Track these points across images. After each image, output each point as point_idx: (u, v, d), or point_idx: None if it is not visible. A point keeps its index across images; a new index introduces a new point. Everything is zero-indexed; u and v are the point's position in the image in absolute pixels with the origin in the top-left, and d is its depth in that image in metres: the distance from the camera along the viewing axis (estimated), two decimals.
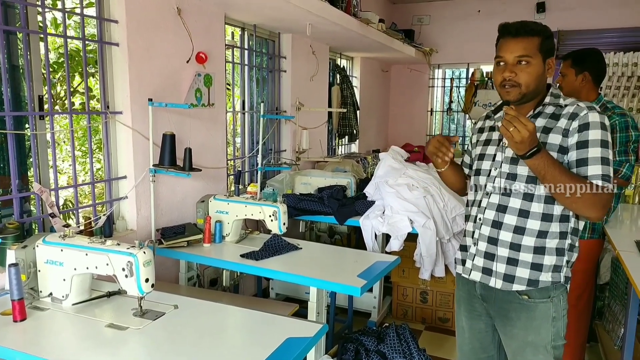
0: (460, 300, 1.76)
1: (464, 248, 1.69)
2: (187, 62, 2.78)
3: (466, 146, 1.77)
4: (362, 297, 3.23)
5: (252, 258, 2.30)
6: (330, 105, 4.82)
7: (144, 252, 1.61)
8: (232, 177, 3.48)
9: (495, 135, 1.61)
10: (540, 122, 1.49)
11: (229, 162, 3.45)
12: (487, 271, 1.59)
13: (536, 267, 1.50)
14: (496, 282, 1.56)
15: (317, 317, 2.18)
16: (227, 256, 2.38)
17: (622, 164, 2.23)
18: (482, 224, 1.58)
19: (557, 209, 1.47)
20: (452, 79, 6.78)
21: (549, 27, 1.52)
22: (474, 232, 1.62)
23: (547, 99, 1.51)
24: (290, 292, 3.40)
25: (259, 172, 3.28)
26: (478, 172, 1.63)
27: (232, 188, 3.42)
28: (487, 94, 5.99)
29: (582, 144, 1.40)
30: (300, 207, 3.24)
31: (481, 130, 1.70)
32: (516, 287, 1.53)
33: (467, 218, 1.68)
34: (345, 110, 4.85)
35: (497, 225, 1.54)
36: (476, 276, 1.62)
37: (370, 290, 3.20)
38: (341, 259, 2.44)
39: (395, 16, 6.66)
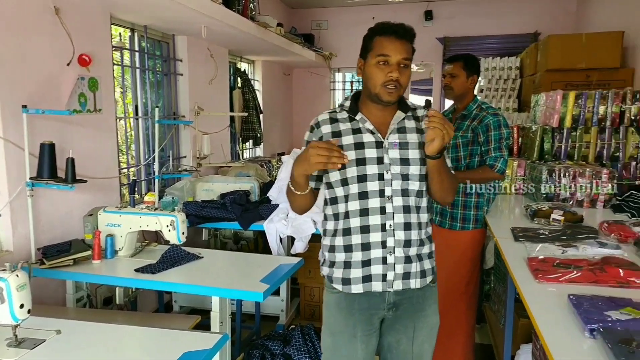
0: (357, 325, 1.55)
1: (380, 261, 1.51)
2: (68, 65, 2.57)
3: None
4: (269, 301, 3.24)
5: (148, 272, 2.18)
6: (232, 109, 4.74)
7: (17, 275, 1.46)
8: (127, 187, 3.28)
9: (368, 137, 1.51)
10: (414, 123, 1.57)
11: (122, 171, 3.25)
12: (406, 275, 1.53)
13: (430, 255, 1.61)
14: (416, 282, 1.54)
15: (220, 327, 2.12)
16: (120, 272, 2.24)
17: (497, 159, 2.44)
18: (394, 229, 1.50)
19: (426, 201, 1.60)
20: (351, 82, 7.03)
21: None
22: (385, 242, 1.50)
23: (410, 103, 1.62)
24: (195, 303, 3.28)
25: (157, 180, 3.13)
26: (363, 178, 1.49)
27: (128, 199, 3.22)
28: None
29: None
30: (203, 215, 3.14)
31: (337, 135, 1.52)
32: (429, 279, 1.59)
33: (363, 229, 1.51)
34: (247, 114, 4.80)
35: (408, 226, 1.53)
36: (398, 285, 1.52)
37: (278, 293, 3.20)
38: (244, 265, 2.40)
39: (295, 21, 6.74)
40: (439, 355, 2.59)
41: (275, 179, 3.54)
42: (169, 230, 2.33)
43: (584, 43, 4.08)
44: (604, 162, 2.99)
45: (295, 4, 6.64)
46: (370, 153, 1.50)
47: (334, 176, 1.52)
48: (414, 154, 1.52)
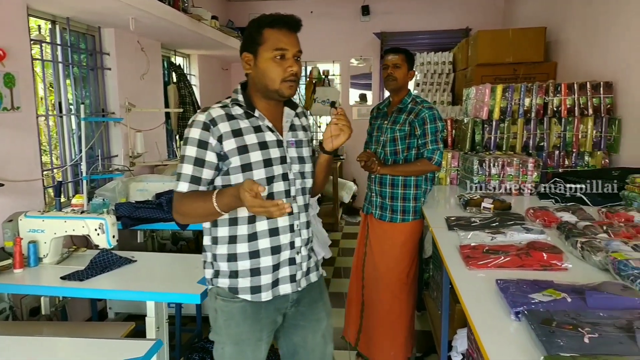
0: (263, 330, 1.50)
1: (287, 262, 1.49)
2: None
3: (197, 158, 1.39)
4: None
5: (75, 279, 2.05)
6: (167, 105, 4.57)
7: None
8: (51, 189, 3.07)
9: (270, 136, 1.46)
10: (300, 120, 1.59)
11: (46, 172, 3.04)
12: (308, 271, 1.56)
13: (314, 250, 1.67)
14: (315, 276, 1.60)
15: (157, 333, 2.03)
16: (44, 280, 2.09)
17: (435, 151, 2.51)
18: (300, 229, 1.51)
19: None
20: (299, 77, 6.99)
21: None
22: (293, 242, 1.49)
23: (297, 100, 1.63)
24: (132, 309, 3.14)
25: (84, 181, 2.95)
26: (271, 180, 1.44)
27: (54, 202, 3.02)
28: (325, 91, 6.30)
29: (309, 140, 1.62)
30: (137, 216, 3.00)
31: (239, 133, 1.42)
32: (320, 270, 1.66)
33: (272, 232, 1.45)
34: (182, 110, 4.65)
35: (308, 224, 1.57)
36: (303, 283, 1.55)
37: None
38: (182, 267, 2.32)
39: (232, 14, 6.61)
40: (385, 344, 2.66)
41: None
42: (98, 234, 2.20)
43: (510, 38, 4.28)
44: (530, 151, 3.15)
45: None
46: (275, 153, 1.45)
47: (236, 178, 1.41)
48: (307, 151, 1.55)
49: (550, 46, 4.41)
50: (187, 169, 1.38)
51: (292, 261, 1.49)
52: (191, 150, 1.37)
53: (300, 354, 1.60)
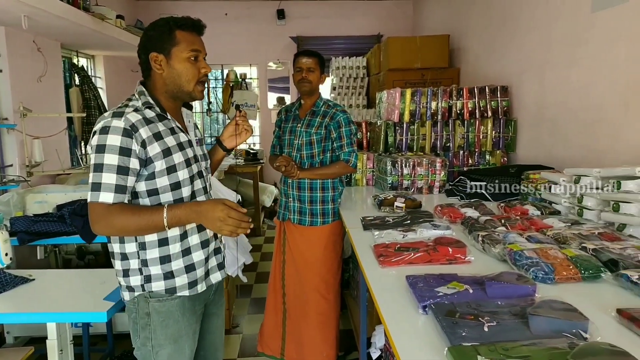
0: (197, 320, 1.58)
1: (213, 252, 1.60)
2: None
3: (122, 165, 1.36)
4: (122, 318, 2.99)
5: None
6: (69, 110, 4.25)
7: None
8: None
9: (183, 137, 1.50)
10: (193, 119, 1.67)
11: None
12: (224, 258, 1.69)
13: None
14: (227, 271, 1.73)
15: (60, 356, 1.88)
16: None
17: (351, 154, 2.56)
18: None
19: None
20: (208, 80, 6.83)
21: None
22: (215, 234, 1.60)
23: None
24: (33, 332, 2.88)
25: None
26: (193, 178, 1.51)
27: None
28: (242, 94, 6.22)
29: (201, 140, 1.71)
30: (35, 231, 2.74)
31: (159, 137, 1.42)
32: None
33: (200, 228, 1.52)
34: (84, 115, 4.34)
35: None
36: (223, 274, 1.67)
37: None
38: (87, 283, 2.16)
39: (141, 14, 6.32)
40: (317, 346, 2.66)
41: None
42: None
43: (418, 45, 4.51)
44: (438, 152, 3.34)
45: None
46: (190, 152, 1.51)
47: (162, 181, 1.42)
48: (205, 148, 1.68)
49: (454, 53, 4.71)
50: (110, 178, 1.33)
51: (217, 251, 1.62)
52: (112, 159, 1.32)
53: (207, 339, 1.70)
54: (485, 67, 3.95)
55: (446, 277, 1.39)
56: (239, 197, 3.56)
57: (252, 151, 6.05)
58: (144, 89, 1.48)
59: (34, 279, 2.11)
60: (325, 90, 6.10)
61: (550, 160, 2.86)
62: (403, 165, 2.97)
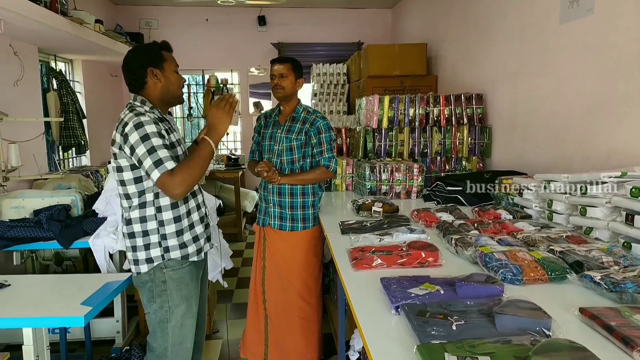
0: (199, 284, 1.99)
1: (198, 237, 1.94)
2: None
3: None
4: (102, 324, 2.97)
5: None
6: (46, 114, 4.20)
7: None
8: None
9: (177, 136, 1.91)
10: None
11: None
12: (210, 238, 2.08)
13: None
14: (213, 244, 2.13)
15: None
16: None
17: (331, 159, 2.60)
18: (202, 204, 2.03)
19: None
20: (189, 85, 6.80)
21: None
22: (205, 214, 2.01)
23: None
24: (8, 338, 2.84)
25: None
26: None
27: None
28: None
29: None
30: (11, 236, 2.72)
31: (168, 132, 1.82)
32: None
33: (197, 207, 1.96)
34: (62, 119, 4.30)
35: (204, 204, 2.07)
36: (211, 245, 2.07)
37: (112, 314, 2.94)
38: (64, 288, 2.15)
39: (121, 18, 6.28)
40: (300, 350, 2.68)
41: (102, 189, 3.24)
42: None
43: (397, 52, 4.60)
44: (415, 158, 3.40)
45: (119, 0, 6.18)
46: (180, 150, 1.88)
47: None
48: (185, 147, 1.99)
49: (432, 61, 4.81)
50: (164, 152, 1.68)
51: (206, 226, 2.01)
52: (157, 141, 1.68)
53: (200, 298, 2.04)
54: (462, 75, 4.05)
55: (419, 278, 1.43)
56: (220, 202, 3.56)
57: (233, 157, 6.05)
58: (144, 98, 1.82)
59: (9, 285, 2.09)
60: (306, 96, 6.15)
61: (523, 166, 2.95)
62: (381, 170, 3.03)
